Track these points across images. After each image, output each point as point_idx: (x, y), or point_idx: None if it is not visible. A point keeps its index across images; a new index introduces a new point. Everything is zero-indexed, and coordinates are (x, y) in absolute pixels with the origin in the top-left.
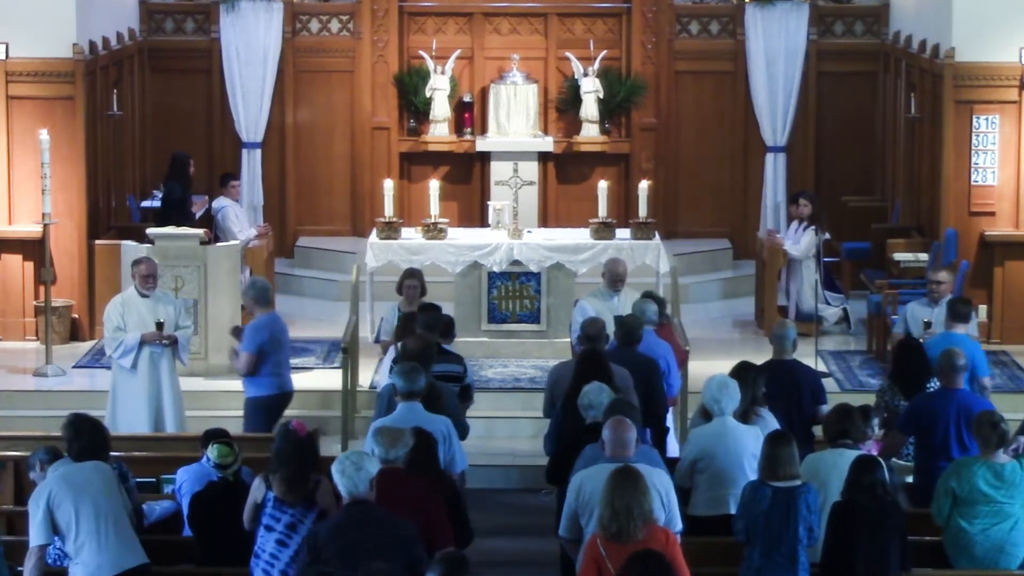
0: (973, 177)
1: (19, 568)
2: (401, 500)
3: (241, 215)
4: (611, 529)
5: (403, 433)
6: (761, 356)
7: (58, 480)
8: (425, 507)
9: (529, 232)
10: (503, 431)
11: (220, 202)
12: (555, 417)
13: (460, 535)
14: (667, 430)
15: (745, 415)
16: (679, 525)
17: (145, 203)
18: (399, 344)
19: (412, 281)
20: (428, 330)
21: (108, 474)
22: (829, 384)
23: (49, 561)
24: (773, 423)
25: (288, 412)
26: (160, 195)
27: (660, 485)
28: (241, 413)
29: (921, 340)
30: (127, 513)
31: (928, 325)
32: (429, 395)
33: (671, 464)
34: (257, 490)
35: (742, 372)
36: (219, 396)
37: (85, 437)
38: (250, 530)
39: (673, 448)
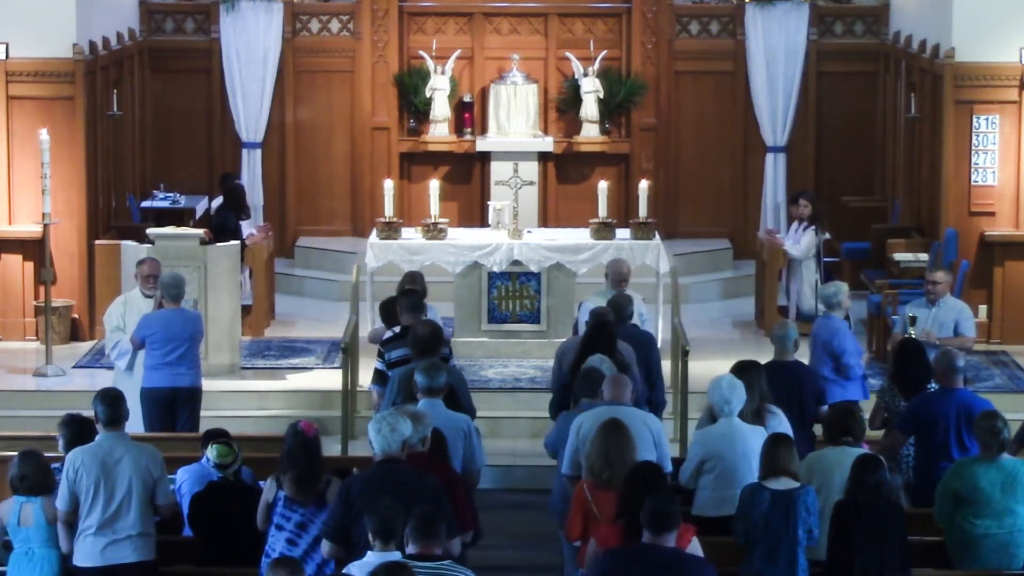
0: (973, 177)
1: None
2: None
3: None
4: (603, 476)
5: (423, 416)
6: (761, 356)
7: None
8: (449, 488)
9: (529, 232)
10: (503, 431)
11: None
12: (560, 381)
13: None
14: (664, 404)
15: (758, 414)
16: (669, 466)
17: (145, 203)
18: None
19: (412, 286)
20: (412, 313)
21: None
22: None
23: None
24: (784, 420)
25: (288, 412)
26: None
27: (652, 426)
28: (242, 413)
29: (910, 335)
30: None
31: (913, 320)
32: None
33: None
34: (269, 490)
35: (746, 371)
36: (219, 396)
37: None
38: (263, 530)
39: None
